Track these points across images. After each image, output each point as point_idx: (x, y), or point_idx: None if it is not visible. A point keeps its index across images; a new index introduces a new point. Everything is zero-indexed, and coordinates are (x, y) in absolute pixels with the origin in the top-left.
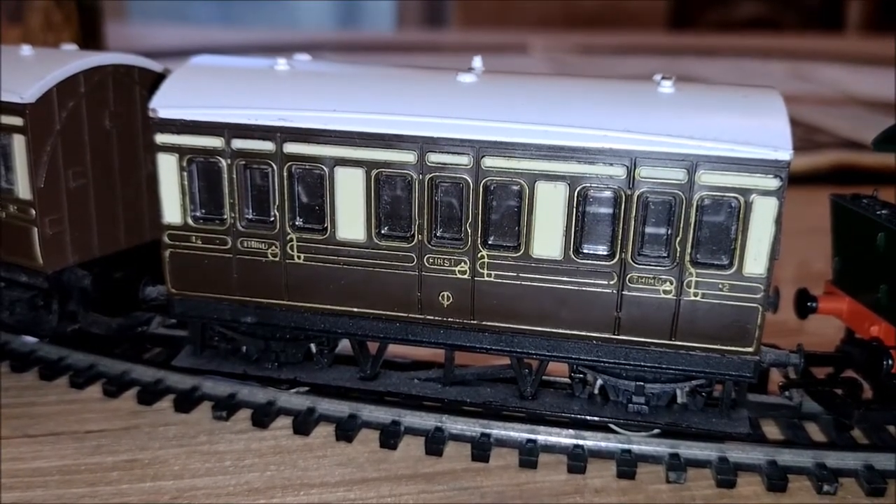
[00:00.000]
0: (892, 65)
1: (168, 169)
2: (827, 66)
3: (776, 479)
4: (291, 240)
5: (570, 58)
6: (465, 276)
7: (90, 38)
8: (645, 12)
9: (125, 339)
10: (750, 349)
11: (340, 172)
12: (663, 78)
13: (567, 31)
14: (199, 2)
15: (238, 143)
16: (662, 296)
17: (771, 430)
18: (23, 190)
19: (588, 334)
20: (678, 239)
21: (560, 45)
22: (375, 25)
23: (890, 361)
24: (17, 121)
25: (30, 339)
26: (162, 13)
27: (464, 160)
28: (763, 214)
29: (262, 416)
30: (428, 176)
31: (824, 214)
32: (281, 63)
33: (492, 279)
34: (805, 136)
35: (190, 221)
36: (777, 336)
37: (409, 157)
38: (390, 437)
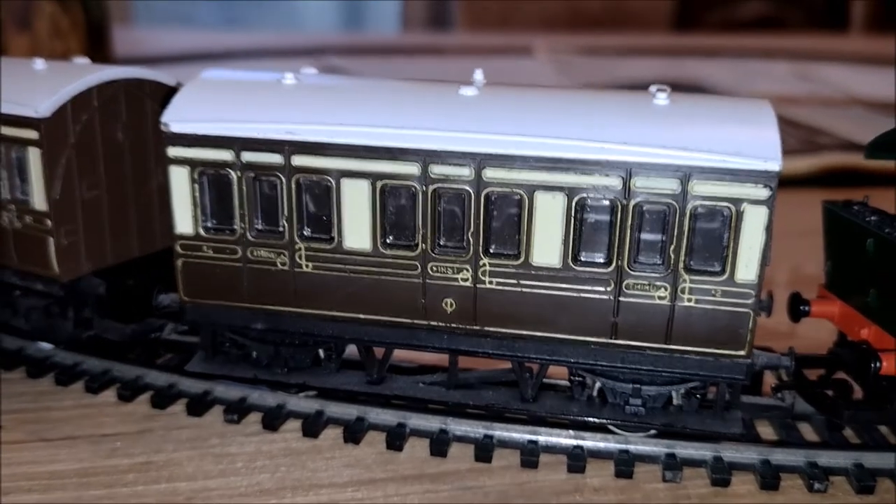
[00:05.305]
0: (894, 64)
1: (180, 181)
2: (830, 66)
3: (769, 477)
4: (300, 249)
5: (574, 59)
6: (468, 284)
7: (97, 44)
8: (649, 13)
9: (139, 345)
10: (742, 352)
11: (347, 184)
12: (658, 90)
13: (571, 32)
14: (203, 5)
15: (247, 156)
16: (658, 301)
17: (766, 430)
18: (38, 201)
19: (586, 339)
20: (672, 246)
21: (564, 47)
22: (381, 28)
23: (878, 363)
24: (32, 134)
25: (45, 345)
26: (167, 16)
27: (465, 172)
28: (754, 223)
29: (273, 419)
30: (431, 187)
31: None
32: (288, 77)
33: (493, 286)
34: (807, 139)
35: (201, 232)
36: (771, 339)
37: (412, 169)
38: (396, 438)
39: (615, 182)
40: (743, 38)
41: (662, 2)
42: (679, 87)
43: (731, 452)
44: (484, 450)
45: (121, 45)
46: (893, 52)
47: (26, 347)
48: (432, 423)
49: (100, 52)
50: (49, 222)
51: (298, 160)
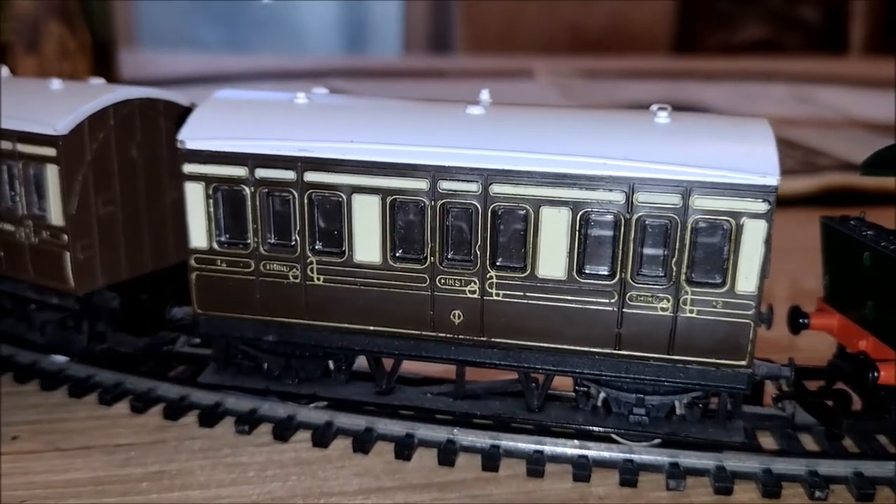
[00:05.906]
0: (893, 87)
1: (195, 197)
2: (829, 88)
3: (771, 486)
4: (311, 262)
5: (575, 82)
6: (475, 296)
7: (104, 66)
8: (649, 36)
9: (151, 357)
10: (743, 362)
11: (357, 199)
12: (659, 108)
13: (572, 56)
14: (207, 28)
15: (261, 172)
16: (660, 313)
17: (767, 440)
18: (55, 217)
19: (591, 349)
20: (674, 259)
21: (565, 70)
22: (383, 51)
23: (875, 373)
24: (50, 152)
25: (59, 358)
26: (171, 39)
27: (473, 187)
28: (753, 236)
29: (283, 430)
30: (439, 202)
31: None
32: (301, 97)
33: (500, 298)
34: (806, 160)
35: (215, 246)
36: (772, 351)
37: (421, 184)
38: (405, 448)
39: (618, 197)
40: (742, 62)
41: (662, 25)
42: (680, 109)
43: (734, 461)
44: (491, 459)
45: (127, 67)
46: (892, 75)
47: (40, 360)
48: (440, 433)
49: (107, 74)
50: (65, 237)
51: (311, 176)
